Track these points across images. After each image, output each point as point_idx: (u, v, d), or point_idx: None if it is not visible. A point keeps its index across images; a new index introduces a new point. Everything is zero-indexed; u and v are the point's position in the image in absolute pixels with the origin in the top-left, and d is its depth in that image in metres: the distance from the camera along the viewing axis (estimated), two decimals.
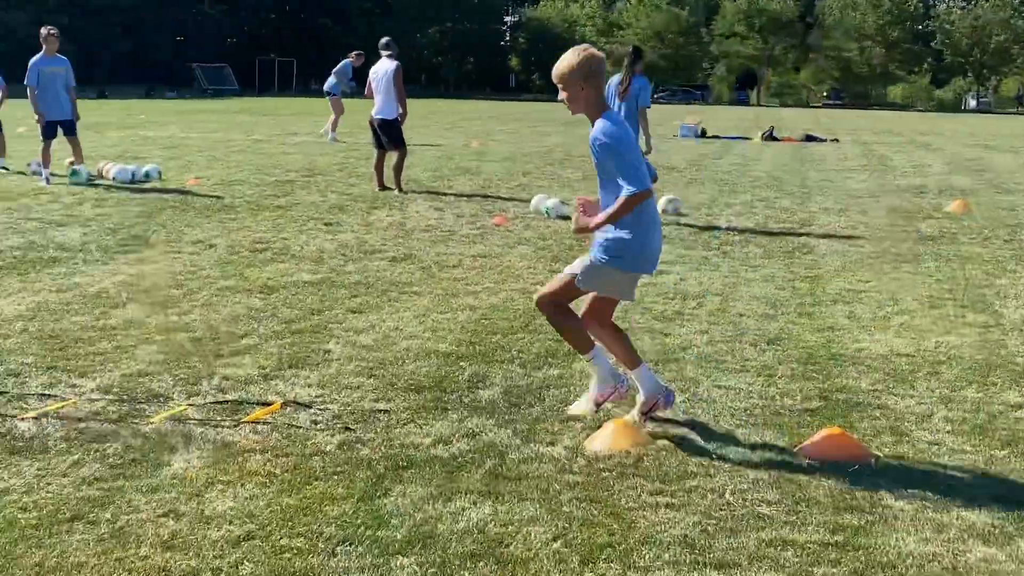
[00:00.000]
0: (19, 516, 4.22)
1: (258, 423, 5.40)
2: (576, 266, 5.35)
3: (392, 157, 14.88)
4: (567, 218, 12.66)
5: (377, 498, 4.49)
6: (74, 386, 5.93)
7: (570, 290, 5.37)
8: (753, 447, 5.21)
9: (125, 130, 25.70)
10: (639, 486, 4.66)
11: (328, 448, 5.04)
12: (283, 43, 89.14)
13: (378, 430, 5.32)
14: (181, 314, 7.59)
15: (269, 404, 5.68)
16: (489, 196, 14.82)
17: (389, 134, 14.84)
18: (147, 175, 15.22)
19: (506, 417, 5.55)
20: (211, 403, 5.69)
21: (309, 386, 6.01)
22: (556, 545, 4.08)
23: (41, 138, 14.74)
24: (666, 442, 5.23)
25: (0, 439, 5.08)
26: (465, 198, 14.50)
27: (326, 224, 11.75)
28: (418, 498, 4.49)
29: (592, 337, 5.51)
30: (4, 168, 16.17)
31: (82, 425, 5.30)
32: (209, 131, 26.51)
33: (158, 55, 79.89)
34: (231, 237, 10.74)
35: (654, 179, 5.27)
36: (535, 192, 14.53)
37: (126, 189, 14.36)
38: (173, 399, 5.77)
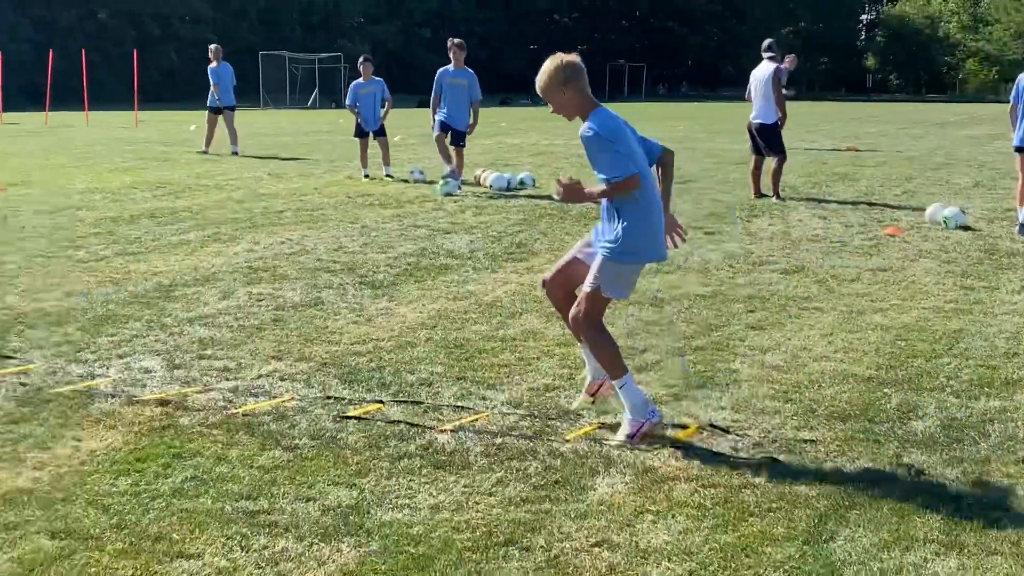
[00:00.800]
0: (454, 537, 4.13)
1: (677, 447, 5.13)
2: (591, 277, 5.24)
3: (770, 163, 14.35)
4: (968, 228, 11.71)
5: (823, 542, 4.09)
6: (484, 398, 5.90)
7: (599, 301, 5.29)
8: None
9: (490, 138, 26.46)
10: None
11: (757, 480, 4.69)
12: (632, 49, 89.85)
13: (807, 462, 4.92)
14: None
15: (685, 427, 5.41)
16: (875, 204, 14.00)
17: (767, 139, 14.33)
18: (521, 182, 15.46)
19: (950, 454, 5.01)
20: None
21: (722, 409, 5.69)
22: None
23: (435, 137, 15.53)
24: None
25: (423, 451, 5.07)
26: (849, 206, 13.76)
27: (707, 233, 11.42)
28: (870, 545, 4.06)
29: (583, 338, 5.44)
30: (389, 176, 16.92)
31: (499, 440, 5.22)
32: (571, 137, 26.79)
33: (512, 65, 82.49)
34: None
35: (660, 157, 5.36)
36: (923, 199, 13.60)
37: (503, 196, 14.62)
38: (583, 416, 5.61)
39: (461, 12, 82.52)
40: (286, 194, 14.89)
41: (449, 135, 15.47)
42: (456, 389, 6.05)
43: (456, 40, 15.76)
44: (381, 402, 5.82)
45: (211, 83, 22.30)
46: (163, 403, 5.78)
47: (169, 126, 33.51)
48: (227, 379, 6.26)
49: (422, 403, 5.80)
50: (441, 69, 15.53)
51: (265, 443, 5.17)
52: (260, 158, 21.20)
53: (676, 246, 5.58)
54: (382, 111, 17.47)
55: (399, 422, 5.47)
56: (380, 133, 17.39)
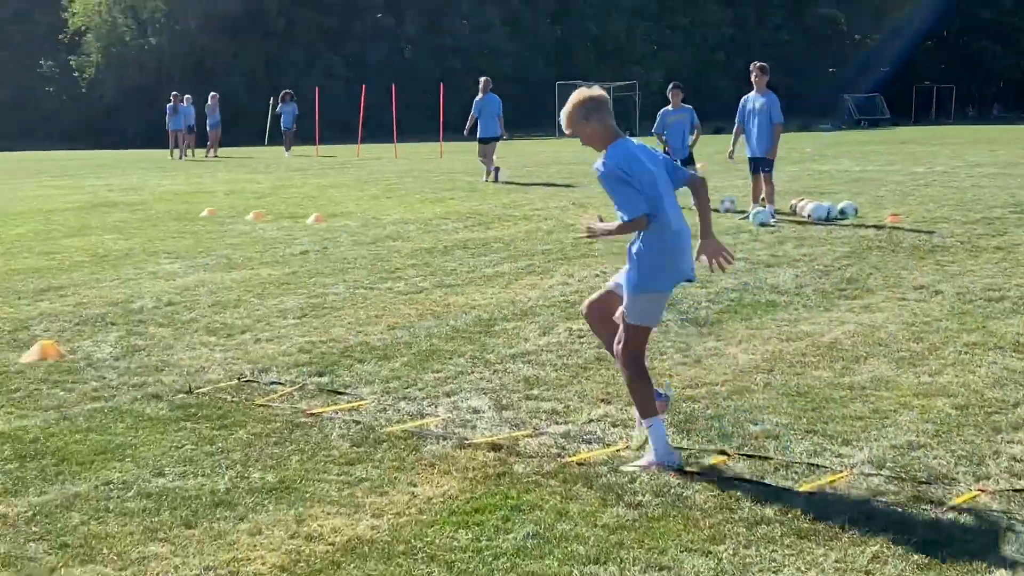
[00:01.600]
0: None
1: None
2: (624, 310, 5.34)
3: None
4: None
5: None
6: (840, 456, 5.34)
7: (637, 334, 5.34)
8: None
9: (796, 164, 25.44)
10: None
11: None
12: (939, 70, 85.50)
13: None
14: (931, 374, 6.75)
15: None
16: None
17: None
18: (842, 212, 14.57)
19: None
20: (1007, 491, 4.79)
21: None
22: None
23: (750, 172, 15.29)
24: None
25: (782, 516, 4.58)
26: None
27: None
28: None
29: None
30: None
31: (867, 507, 4.66)
32: (884, 163, 25.44)
33: (810, 88, 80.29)
34: (956, 282, 9.70)
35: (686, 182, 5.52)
36: None
37: (823, 227, 13.80)
38: (958, 480, 4.96)
39: (756, 36, 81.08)
40: None
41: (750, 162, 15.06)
42: (807, 444, 5.51)
43: (759, 64, 15.23)
44: (725, 455, 5.37)
45: (472, 114, 23.13)
46: (495, 447, 5.54)
47: (472, 156, 34.26)
48: (557, 422, 5.98)
49: (771, 458, 5.30)
50: (746, 96, 15.15)
51: (606, 498, 4.82)
52: (562, 186, 21.19)
53: (717, 271, 5.67)
54: (691, 139, 17.04)
55: (750, 480, 5.00)
56: (688, 162, 16.92)
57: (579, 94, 5.38)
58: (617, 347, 5.41)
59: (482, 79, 23.57)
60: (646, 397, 5.33)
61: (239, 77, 63.03)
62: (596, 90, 5.43)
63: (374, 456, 5.44)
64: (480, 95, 23.15)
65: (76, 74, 65.83)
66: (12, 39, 68.00)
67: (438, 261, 11.70)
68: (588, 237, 5.51)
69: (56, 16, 66.69)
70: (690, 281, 5.53)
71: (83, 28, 65.99)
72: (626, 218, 5.18)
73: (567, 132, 5.45)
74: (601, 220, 5.49)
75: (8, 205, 19.78)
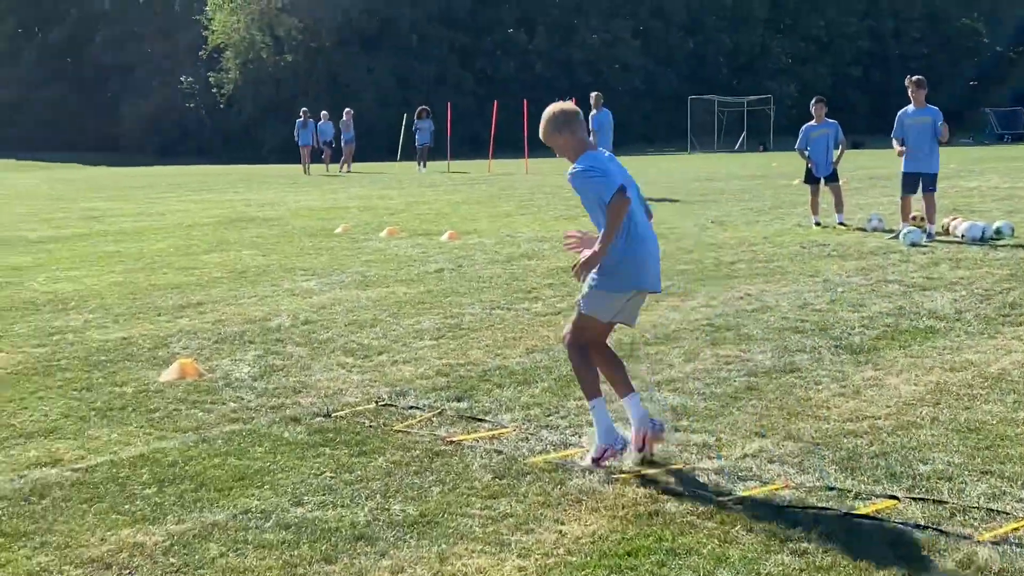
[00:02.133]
0: None
1: None
2: (581, 299, 5.59)
3: None
4: None
5: None
6: (1021, 500, 4.91)
7: (587, 325, 5.59)
8: None
9: (942, 181, 24.40)
10: None
11: None
12: None
13: None
14: None
15: None
16: None
17: None
18: (998, 232, 13.82)
19: None
20: None
21: None
22: None
23: (901, 192, 14.61)
24: None
25: (964, 569, 4.19)
26: None
27: None
28: None
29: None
30: (842, 224, 15.83)
31: None
32: None
33: (948, 101, 77.91)
34: None
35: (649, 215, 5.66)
36: None
37: (979, 247, 13.12)
38: None
39: (894, 49, 78.99)
40: (734, 243, 14.20)
41: (919, 181, 14.39)
42: (984, 487, 5.09)
43: (915, 78, 14.68)
44: (895, 498, 4.98)
45: (592, 128, 22.69)
46: (645, 483, 5.25)
47: None
48: (709, 457, 5.66)
49: (946, 502, 4.90)
50: (902, 111, 14.57)
51: (768, 543, 4.49)
52: (699, 202, 20.74)
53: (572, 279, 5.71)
54: (835, 154, 16.46)
55: (924, 527, 4.61)
56: (832, 178, 16.37)
57: (551, 109, 5.63)
58: (565, 332, 5.72)
59: (593, 94, 23.28)
60: (591, 381, 5.61)
61: (371, 93, 63.84)
62: (567, 104, 5.68)
63: (518, 489, 5.20)
64: (594, 111, 22.86)
65: (215, 90, 67.53)
66: (154, 55, 70.20)
67: (574, 281, 11.39)
68: (582, 271, 5.46)
69: (197, 33, 68.55)
70: (655, 292, 5.75)
71: (222, 45, 67.64)
72: (606, 199, 5.27)
73: (545, 143, 5.68)
74: (582, 234, 5.72)
75: (150, 220, 20.22)
